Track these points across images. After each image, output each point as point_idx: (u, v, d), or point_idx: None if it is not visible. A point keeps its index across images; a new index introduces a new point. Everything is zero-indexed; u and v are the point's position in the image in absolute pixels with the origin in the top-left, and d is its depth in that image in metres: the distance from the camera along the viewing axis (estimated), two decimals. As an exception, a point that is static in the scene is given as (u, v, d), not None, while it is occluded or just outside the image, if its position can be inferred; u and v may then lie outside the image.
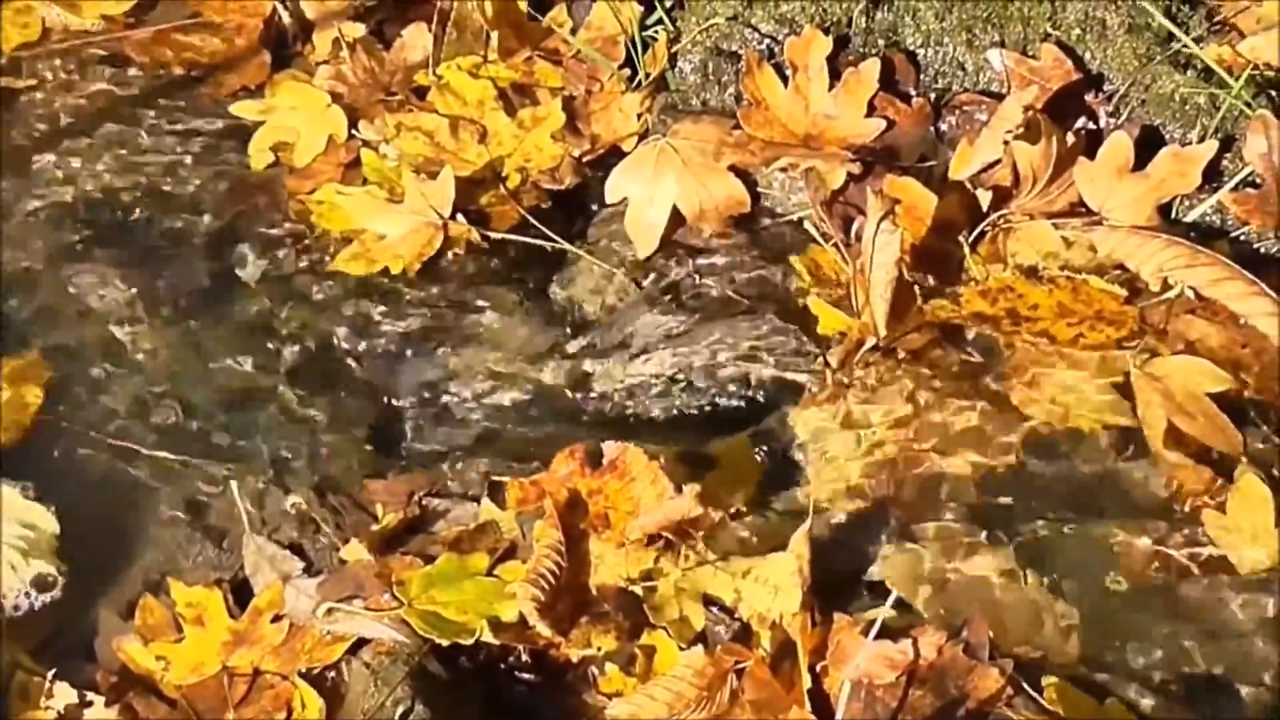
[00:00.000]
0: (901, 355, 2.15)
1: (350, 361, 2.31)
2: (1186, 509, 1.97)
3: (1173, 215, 2.28)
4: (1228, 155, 2.28)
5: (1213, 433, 2.02)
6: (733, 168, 2.38)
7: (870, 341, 2.14)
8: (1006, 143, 2.23)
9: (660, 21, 2.55)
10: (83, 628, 2.03)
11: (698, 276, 2.33)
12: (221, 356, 2.33)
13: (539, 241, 2.39)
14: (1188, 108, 2.30)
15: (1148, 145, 2.27)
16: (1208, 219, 2.29)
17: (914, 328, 2.17)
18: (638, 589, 1.91)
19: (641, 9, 2.56)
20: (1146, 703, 1.80)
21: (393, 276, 2.38)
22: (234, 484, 2.12)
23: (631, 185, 2.39)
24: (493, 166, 2.49)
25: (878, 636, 1.78)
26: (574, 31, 2.62)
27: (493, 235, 2.40)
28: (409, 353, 2.32)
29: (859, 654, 1.78)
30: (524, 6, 2.64)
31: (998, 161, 2.28)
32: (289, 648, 1.96)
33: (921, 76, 2.45)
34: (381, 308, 2.36)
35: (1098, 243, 2.22)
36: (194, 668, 1.97)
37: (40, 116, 2.64)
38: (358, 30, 2.68)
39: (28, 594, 2.07)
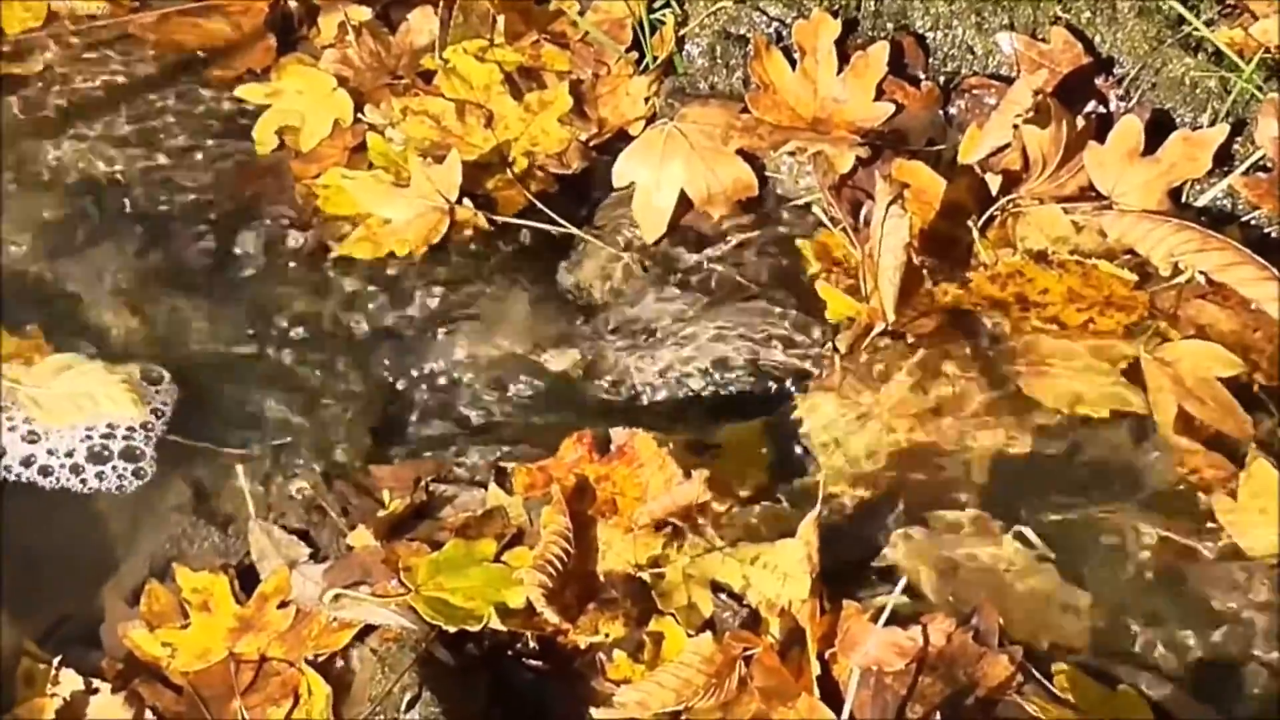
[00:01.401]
0: (910, 340, 2.14)
1: (356, 346, 2.31)
2: (1197, 495, 1.96)
3: (1183, 200, 2.27)
4: (1239, 139, 2.27)
5: (1223, 418, 2.02)
6: (740, 152, 2.37)
7: (879, 326, 2.13)
8: (1016, 126, 2.22)
9: (668, 4, 2.53)
10: (88, 614, 2.03)
11: (705, 261, 2.32)
12: (227, 340, 2.32)
13: (546, 226, 2.38)
14: (1199, 91, 2.29)
15: (1158, 129, 2.26)
16: (1218, 203, 2.28)
17: (923, 313, 2.16)
18: (646, 575, 1.91)
19: (649, -8, 2.56)
20: (1157, 691, 1.80)
21: (399, 261, 2.37)
22: (240, 469, 2.11)
23: (639, 169, 2.38)
24: (499, 150, 2.48)
25: (887, 623, 1.77)
26: (581, 14, 2.61)
27: (499, 220, 2.39)
28: (415, 337, 2.31)
29: (868, 641, 1.77)
30: (530, -10, 2.64)
31: (1007, 145, 2.27)
32: (295, 634, 1.96)
33: (930, 60, 2.44)
34: (387, 292, 2.35)
35: (1108, 227, 2.21)
36: (200, 654, 1.97)
37: (45, 100, 2.63)
38: (363, 14, 2.66)
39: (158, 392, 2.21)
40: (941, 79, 2.43)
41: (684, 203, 2.36)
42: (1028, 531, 1.94)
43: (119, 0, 2.76)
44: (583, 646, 1.89)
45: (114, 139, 2.58)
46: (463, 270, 2.37)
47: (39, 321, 2.31)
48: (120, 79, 2.68)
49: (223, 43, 2.71)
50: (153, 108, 2.63)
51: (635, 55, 2.55)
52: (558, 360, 2.25)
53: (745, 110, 2.41)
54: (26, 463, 2.15)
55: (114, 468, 2.16)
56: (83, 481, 2.15)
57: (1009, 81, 2.35)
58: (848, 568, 1.91)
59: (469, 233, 2.39)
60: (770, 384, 2.18)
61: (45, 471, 2.15)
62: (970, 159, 2.29)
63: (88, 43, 2.72)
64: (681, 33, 2.51)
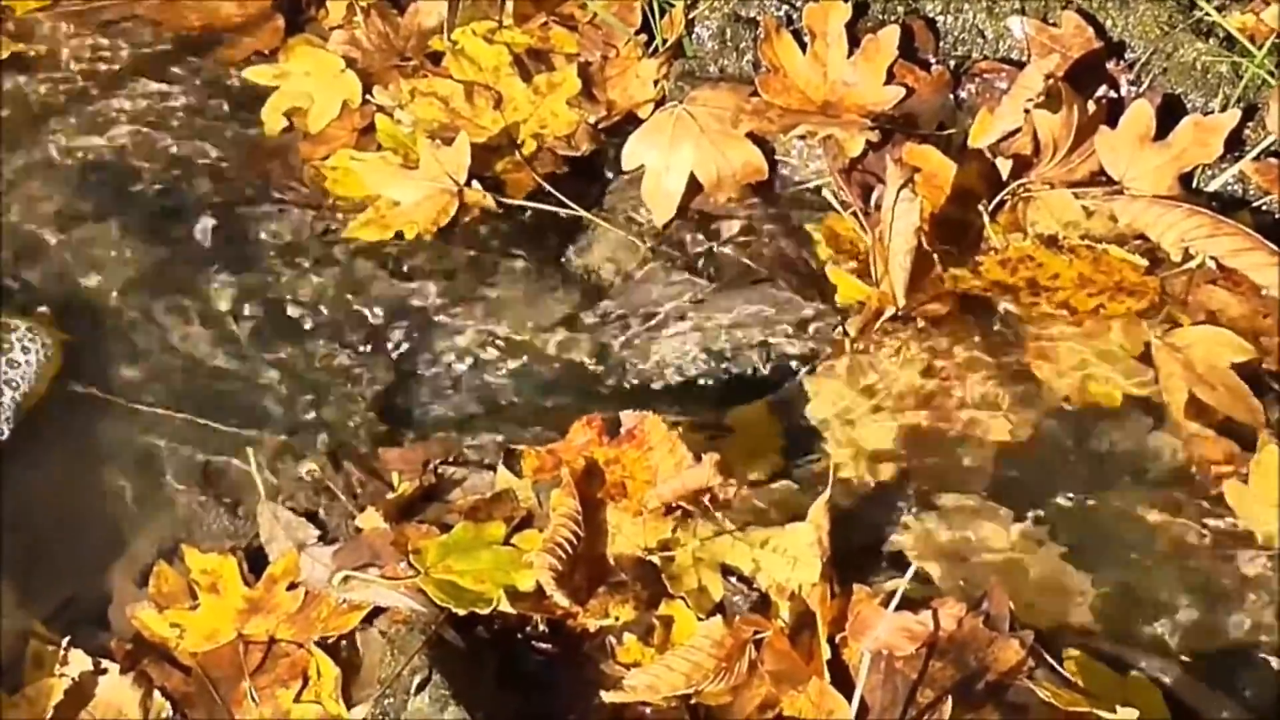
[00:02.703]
0: (920, 325, 2.14)
1: (364, 328, 2.30)
2: (1208, 480, 1.96)
3: (1194, 185, 2.27)
4: (1250, 124, 2.27)
5: (1234, 403, 2.02)
6: (750, 135, 2.36)
7: (889, 311, 2.13)
8: (1027, 111, 2.23)
9: (677, -14, 2.54)
10: (97, 595, 2.03)
11: (715, 244, 2.32)
12: (234, 322, 2.32)
13: (555, 209, 2.38)
14: (1210, 76, 2.29)
15: (1169, 114, 2.26)
16: (1229, 189, 2.27)
17: (933, 297, 2.16)
18: (655, 559, 1.90)
19: (659, -27, 2.55)
20: (1168, 675, 1.79)
21: (407, 243, 2.37)
22: (249, 451, 2.11)
23: (648, 152, 2.37)
24: (508, 133, 2.47)
25: (898, 608, 1.77)
26: (590, -4, 2.61)
27: (508, 202, 2.39)
28: (423, 319, 2.30)
29: (879, 625, 1.77)
30: (539, -29, 2.63)
31: (1018, 130, 2.27)
32: (304, 616, 1.95)
33: (941, 44, 2.43)
34: (395, 274, 2.35)
35: (1119, 212, 2.21)
36: (209, 635, 1.96)
37: (52, 80, 2.63)
38: (372, -6, 2.67)
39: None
40: (952, 63, 2.42)
41: (693, 186, 2.36)
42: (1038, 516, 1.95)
43: (127, -20, 2.76)
44: (592, 630, 1.88)
45: (121, 120, 2.57)
46: (471, 252, 2.37)
47: (47, 305, 2.31)
48: (127, 60, 2.67)
49: (230, 23, 2.71)
50: (160, 89, 2.62)
51: (644, 38, 2.55)
52: (567, 343, 2.25)
53: (755, 93, 2.40)
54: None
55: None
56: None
57: (1020, 66, 2.35)
58: (858, 552, 1.91)
59: (477, 215, 2.39)
60: (780, 367, 2.17)
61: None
62: (981, 143, 2.29)
63: (95, 23, 2.72)
64: (691, 15, 2.50)
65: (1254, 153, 2.25)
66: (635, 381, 2.21)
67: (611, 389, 2.20)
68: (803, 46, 2.41)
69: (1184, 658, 1.82)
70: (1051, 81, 2.19)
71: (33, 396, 2.18)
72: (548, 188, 2.39)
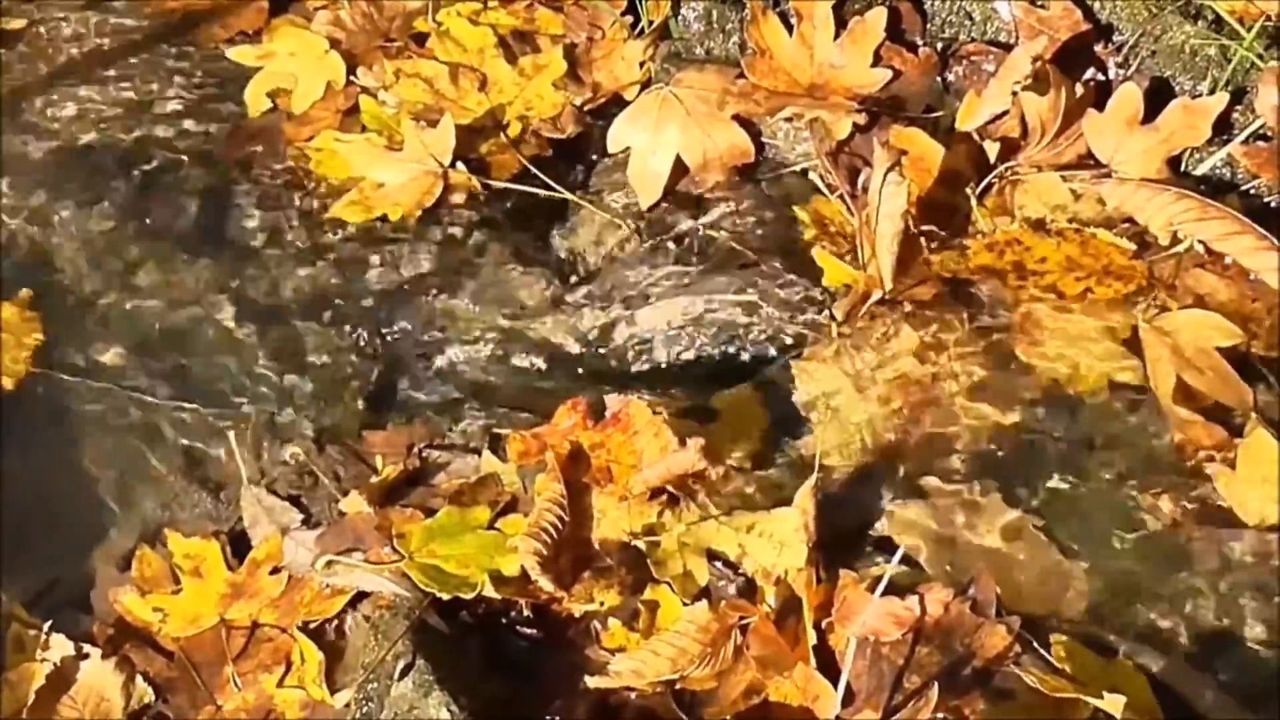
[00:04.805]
0: (907, 308, 2.13)
1: (349, 311, 2.29)
2: (1195, 465, 1.95)
3: (1182, 168, 2.26)
4: (1238, 108, 2.26)
5: (1222, 388, 2.01)
6: (737, 117, 2.36)
7: (876, 294, 2.12)
8: (1015, 94, 2.22)
9: (663, -32, 2.52)
10: (79, 579, 2.02)
11: (701, 227, 2.31)
12: (219, 305, 2.30)
13: (540, 191, 2.37)
14: (1198, 59, 2.28)
15: (1157, 97, 2.25)
16: (1218, 172, 2.26)
17: (920, 280, 2.15)
18: (641, 543, 1.90)
19: (645, -45, 2.54)
20: (1155, 661, 1.79)
21: (391, 225, 2.36)
22: (232, 434, 2.10)
23: (634, 134, 2.37)
24: (493, 115, 2.46)
25: (884, 593, 1.76)
26: (576, -23, 2.60)
27: (493, 184, 2.38)
28: (408, 302, 2.29)
29: (865, 611, 1.76)
30: (525, -48, 2.62)
31: (1006, 113, 2.27)
32: (288, 600, 1.95)
33: (928, 26, 2.42)
34: (380, 257, 2.34)
35: (1106, 195, 2.20)
36: (192, 620, 1.96)
37: (35, 59, 2.62)
38: (356, -25, 2.66)
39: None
40: (939, 45, 2.41)
41: (679, 168, 2.35)
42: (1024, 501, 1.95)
43: (110, -40, 2.75)
44: (577, 615, 1.88)
45: (104, 100, 2.57)
46: (456, 235, 2.36)
47: (29, 287, 2.30)
48: (111, 40, 2.66)
49: (214, 4, 2.70)
50: (144, 69, 2.62)
51: (630, 19, 2.54)
52: (552, 326, 2.24)
53: (741, 76, 2.39)
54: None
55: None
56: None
57: (1007, 48, 2.34)
58: (844, 537, 1.91)
59: (462, 197, 2.38)
60: (766, 351, 2.17)
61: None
62: (968, 126, 2.28)
63: (78, 2, 2.70)
64: (677, -4, 2.49)
65: (1242, 136, 2.25)
66: (620, 365, 2.20)
67: (597, 372, 2.20)
68: (789, 28, 2.40)
69: (1170, 643, 1.82)
70: (1039, 64, 2.19)
71: None
72: (533, 170, 2.38)
